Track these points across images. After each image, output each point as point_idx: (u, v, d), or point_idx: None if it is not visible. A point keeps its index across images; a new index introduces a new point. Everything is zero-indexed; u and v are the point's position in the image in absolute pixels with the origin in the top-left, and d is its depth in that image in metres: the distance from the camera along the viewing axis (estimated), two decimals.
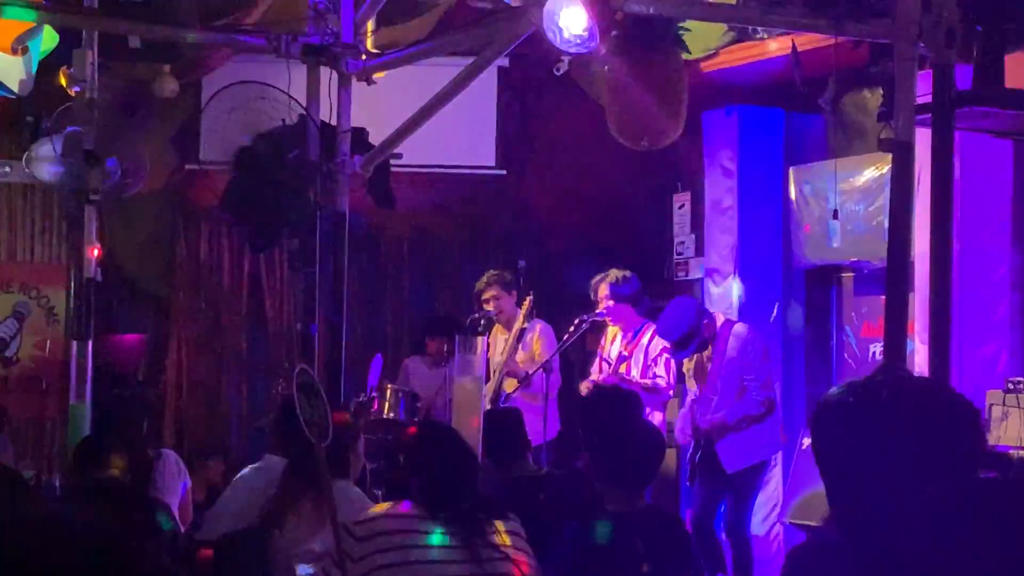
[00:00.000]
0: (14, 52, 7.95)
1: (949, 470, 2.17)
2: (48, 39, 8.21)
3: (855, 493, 2.23)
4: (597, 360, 9.71)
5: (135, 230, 11.21)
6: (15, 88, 8.30)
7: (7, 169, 9.91)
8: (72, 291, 10.56)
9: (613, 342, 9.60)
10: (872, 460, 2.20)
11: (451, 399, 8.83)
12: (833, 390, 2.35)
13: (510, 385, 9.63)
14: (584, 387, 9.46)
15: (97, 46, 8.39)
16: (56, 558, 1.39)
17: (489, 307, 9.84)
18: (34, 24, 7.85)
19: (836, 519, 2.27)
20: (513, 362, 9.67)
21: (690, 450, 8.98)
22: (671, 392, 9.49)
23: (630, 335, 9.49)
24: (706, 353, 8.89)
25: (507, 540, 4.61)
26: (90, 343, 8.53)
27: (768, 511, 9.85)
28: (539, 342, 9.78)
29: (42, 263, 11.35)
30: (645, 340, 9.41)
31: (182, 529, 6.87)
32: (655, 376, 9.34)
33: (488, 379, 9.53)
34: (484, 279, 10.03)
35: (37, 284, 11.25)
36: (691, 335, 8.75)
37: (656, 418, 9.22)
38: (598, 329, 9.77)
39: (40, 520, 1.43)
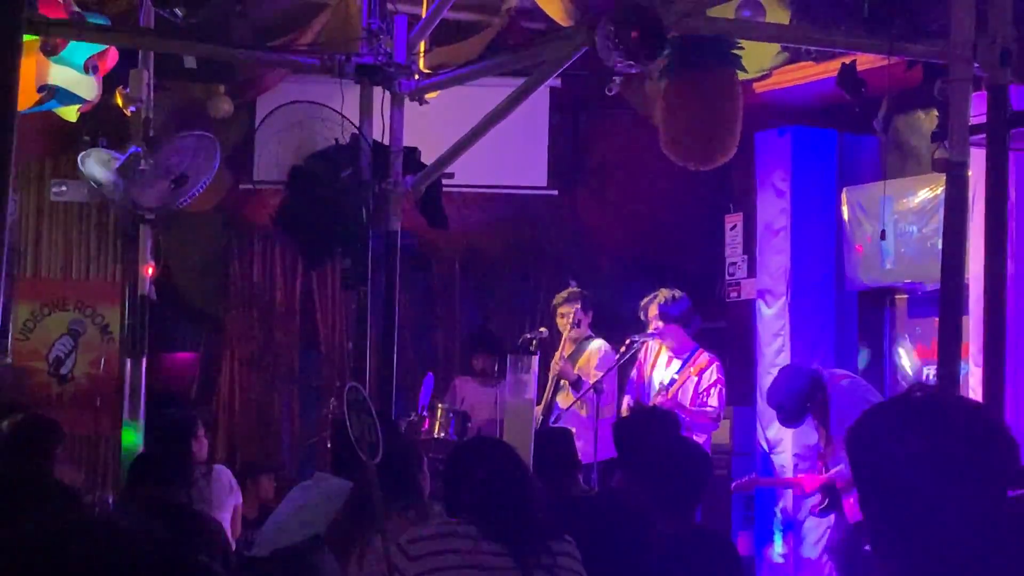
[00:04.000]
0: (87, 71, 8.03)
1: (979, 486, 2.16)
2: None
3: (886, 507, 2.22)
4: (635, 373, 9.66)
5: (189, 249, 11.30)
6: (74, 112, 8.38)
7: (63, 188, 10.01)
8: (126, 309, 10.64)
9: (656, 361, 9.55)
10: (904, 473, 2.19)
11: (502, 419, 8.84)
12: (869, 408, 2.35)
13: (564, 400, 9.60)
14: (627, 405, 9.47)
15: (153, 66, 8.47)
16: (115, 566, 1.40)
17: (563, 321, 9.81)
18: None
19: (868, 533, 2.26)
20: (566, 364, 9.60)
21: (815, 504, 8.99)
22: (719, 424, 9.49)
23: (682, 359, 9.46)
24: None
25: (561, 562, 4.58)
26: (144, 361, 8.59)
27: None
28: (591, 359, 9.69)
29: (97, 281, 11.44)
30: (699, 367, 9.37)
31: (233, 546, 6.91)
32: (706, 405, 9.31)
33: (543, 391, 9.56)
34: (565, 293, 9.96)
35: (92, 302, 11.34)
36: (801, 409, 8.70)
37: (700, 439, 9.23)
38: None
39: (98, 529, 1.45)
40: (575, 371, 9.63)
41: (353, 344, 8.33)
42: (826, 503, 8.76)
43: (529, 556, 4.49)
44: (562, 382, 9.66)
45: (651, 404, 9.28)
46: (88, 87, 8.19)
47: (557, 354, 9.76)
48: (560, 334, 9.92)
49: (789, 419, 8.83)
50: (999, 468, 2.19)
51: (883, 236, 8.70)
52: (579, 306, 9.81)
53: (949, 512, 2.14)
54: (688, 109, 7.27)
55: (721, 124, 7.30)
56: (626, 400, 9.64)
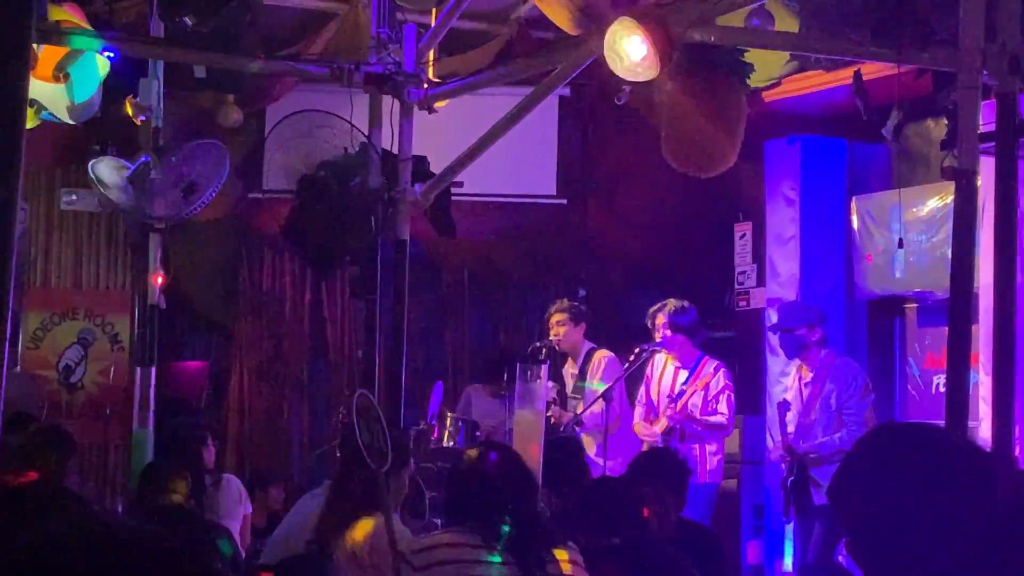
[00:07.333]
0: (56, 79, 7.95)
1: (958, 516, 2.15)
2: (102, 65, 8.10)
3: (868, 541, 2.21)
4: (643, 390, 9.63)
5: (199, 258, 11.31)
6: (65, 116, 8.25)
7: (73, 197, 10.02)
8: (136, 318, 10.66)
9: (663, 372, 9.52)
10: (880, 509, 2.19)
11: (511, 429, 8.83)
12: (848, 456, 2.35)
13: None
14: (640, 427, 9.46)
15: (163, 75, 8.49)
16: (126, 574, 1.41)
17: (554, 333, 9.77)
18: (70, 49, 7.79)
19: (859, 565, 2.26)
20: (564, 414, 9.56)
21: (783, 474, 8.89)
22: (731, 429, 9.47)
23: (688, 369, 9.43)
24: (804, 378, 8.87)
25: (567, 569, 4.56)
26: (153, 370, 8.61)
27: None
28: (598, 375, 9.65)
29: (107, 290, 11.46)
30: (706, 376, 9.35)
31: (242, 554, 6.91)
32: (716, 412, 9.28)
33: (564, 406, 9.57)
34: (554, 307, 9.96)
35: (102, 311, 11.36)
36: (808, 321, 8.88)
37: (711, 449, 9.21)
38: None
39: (109, 536, 1.45)
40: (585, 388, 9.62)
41: (362, 353, 8.33)
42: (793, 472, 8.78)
43: (535, 565, 4.48)
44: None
45: (660, 417, 9.28)
46: (61, 99, 8.07)
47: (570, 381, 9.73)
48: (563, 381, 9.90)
49: (792, 321, 8.94)
50: (984, 490, 2.19)
51: (900, 244, 8.72)
52: (565, 317, 9.77)
53: (939, 543, 2.13)
54: (691, 114, 7.24)
55: (724, 131, 7.28)
56: (638, 411, 9.61)
